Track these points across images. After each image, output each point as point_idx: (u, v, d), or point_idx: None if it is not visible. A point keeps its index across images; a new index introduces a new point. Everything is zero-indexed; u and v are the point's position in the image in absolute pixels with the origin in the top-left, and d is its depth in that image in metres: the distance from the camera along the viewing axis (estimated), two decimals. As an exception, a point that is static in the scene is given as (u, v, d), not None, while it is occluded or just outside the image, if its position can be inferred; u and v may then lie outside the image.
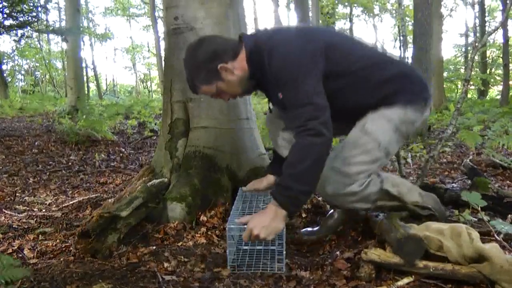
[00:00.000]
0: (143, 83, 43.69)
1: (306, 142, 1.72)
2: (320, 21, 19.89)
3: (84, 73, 17.23)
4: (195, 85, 1.94)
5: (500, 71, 21.07)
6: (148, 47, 39.09)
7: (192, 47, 1.94)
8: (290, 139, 2.20)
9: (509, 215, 2.41)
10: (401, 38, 20.77)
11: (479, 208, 1.98)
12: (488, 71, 23.10)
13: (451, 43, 56.87)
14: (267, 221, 1.75)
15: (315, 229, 2.29)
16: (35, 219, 2.69)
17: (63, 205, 2.99)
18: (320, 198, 2.74)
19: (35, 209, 2.95)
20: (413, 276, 1.70)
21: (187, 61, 1.94)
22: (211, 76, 1.88)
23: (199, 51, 1.89)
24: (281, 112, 2.14)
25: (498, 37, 20.14)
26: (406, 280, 1.69)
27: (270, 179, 2.32)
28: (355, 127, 1.98)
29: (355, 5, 26.47)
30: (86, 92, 17.85)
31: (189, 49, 1.95)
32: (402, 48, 22.21)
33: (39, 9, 9.13)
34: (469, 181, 3.04)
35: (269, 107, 2.26)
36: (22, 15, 8.44)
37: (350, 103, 1.95)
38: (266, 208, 1.81)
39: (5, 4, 7.94)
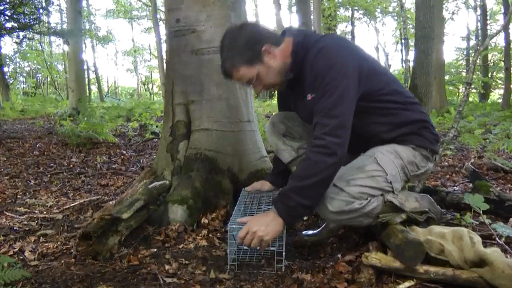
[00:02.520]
0: (144, 85, 43.76)
1: (317, 159, 1.71)
2: (322, 24, 19.90)
3: (86, 76, 17.25)
4: (234, 65, 1.86)
5: (501, 75, 21.08)
6: (149, 49, 39.17)
7: (235, 28, 1.90)
8: (291, 145, 2.21)
9: (511, 219, 2.40)
10: (403, 41, 20.75)
11: (481, 212, 1.98)
12: (489, 74, 23.09)
13: (452, 46, 56.88)
14: (267, 222, 1.77)
15: (316, 231, 2.28)
16: (36, 221, 2.69)
17: (64, 207, 2.99)
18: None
19: (36, 211, 2.95)
20: (414, 280, 1.69)
21: (228, 42, 1.87)
22: (254, 57, 1.84)
23: (244, 32, 1.86)
24: (300, 116, 2.15)
25: (500, 41, 20.16)
26: (407, 284, 1.68)
27: (265, 186, 2.40)
28: (364, 154, 1.97)
29: (357, 8, 26.50)
30: (88, 94, 17.85)
31: (231, 31, 1.90)
32: (403, 51, 22.24)
33: (41, 11, 9.16)
34: (471, 185, 3.03)
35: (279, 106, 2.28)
36: (23, 17, 8.46)
37: (368, 129, 1.94)
38: (266, 213, 1.84)
39: (6, 6, 7.96)
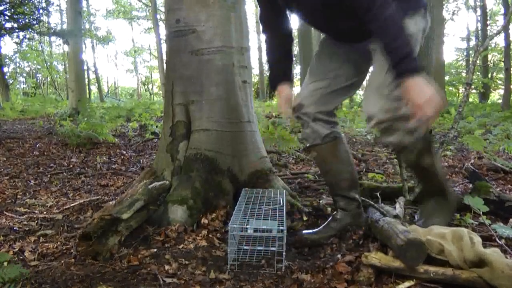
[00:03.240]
0: (144, 85, 43.76)
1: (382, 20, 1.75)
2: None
3: (86, 76, 17.25)
4: None
5: (501, 75, 21.07)
6: (149, 49, 39.18)
7: None
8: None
9: (511, 219, 2.41)
10: (403, 41, 20.73)
11: (481, 213, 1.98)
12: (489, 75, 23.10)
13: (452, 46, 57.00)
14: (417, 89, 1.71)
15: (316, 231, 2.28)
16: (36, 221, 2.68)
17: (64, 207, 2.99)
18: (321, 202, 2.74)
19: (36, 211, 2.95)
20: (414, 280, 1.70)
21: None
22: None
23: None
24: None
25: (500, 41, 20.14)
26: (407, 284, 1.69)
27: (288, 91, 2.29)
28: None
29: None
30: (88, 94, 17.88)
31: None
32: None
33: (41, 11, 9.16)
34: (471, 185, 3.03)
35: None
36: (23, 17, 8.47)
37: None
38: (411, 87, 1.73)
39: (6, 6, 7.96)
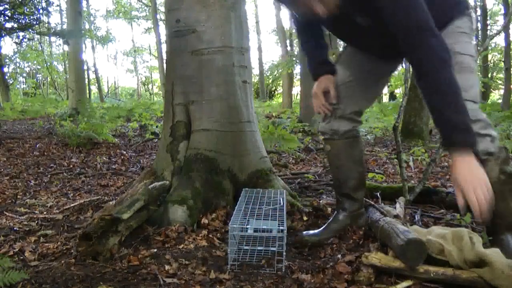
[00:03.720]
0: (144, 85, 43.78)
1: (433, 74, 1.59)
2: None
3: (86, 76, 17.24)
4: None
5: (501, 75, 21.07)
6: (149, 49, 39.17)
7: None
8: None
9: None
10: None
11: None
12: (489, 75, 23.09)
13: (452, 46, 56.72)
14: (469, 170, 1.52)
15: (316, 231, 2.28)
16: (36, 222, 2.69)
17: (64, 208, 2.99)
18: (321, 201, 2.74)
19: (36, 212, 2.95)
20: (412, 280, 1.69)
21: None
22: None
23: None
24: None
25: (500, 41, 20.15)
26: (405, 284, 1.69)
27: (330, 79, 2.17)
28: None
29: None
30: (88, 94, 17.88)
31: None
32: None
33: (41, 11, 9.16)
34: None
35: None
36: (23, 17, 8.47)
37: None
38: (453, 165, 1.55)
39: (6, 6, 7.96)
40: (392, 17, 1.61)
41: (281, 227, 1.90)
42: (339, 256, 1.98)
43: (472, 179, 1.50)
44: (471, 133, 1.55)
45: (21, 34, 9.27)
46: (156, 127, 7.82)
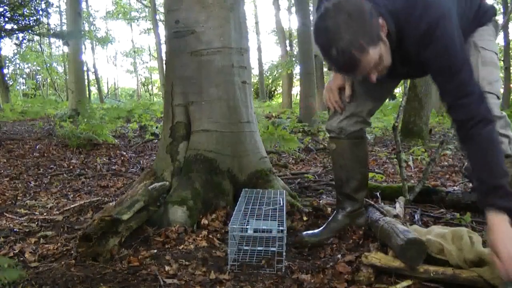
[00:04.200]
0: (144, 86, 43.75)
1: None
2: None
3: (86, 77, 17.23)
4: (363, 47, 1.50)
5: (501, 74, 21.07)
6: (149, 50, 39.17)
7: (338, 5, 1.53)
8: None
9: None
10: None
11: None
12: (489, 74, 23.09)
13: (452, 46, 56.66)
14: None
15: (316, 231, 2.28)
16: (36, 223, 2.69)
17: (64, 209, 2.99)
18: (321, 202, 2.74)
19: (36, 213, 2.95)
20: (412, 280, 1.70)
21: (346, 17, 1.50)
22: (375, 34, 1.54)
23: (353, 7, 1.52)
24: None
25: (499, 40, 20.13)
26: (405, 284, 1.69)
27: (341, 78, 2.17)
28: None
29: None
30: (87, 95, 17.86)
31: (335, 9, 1.52)
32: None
33: (40, 12, 9.16)
34: (470, 184, 3.03)
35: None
36: (23, 19, 8.48)
37: None
38: (495, 228, 1.52)
39: (6, 8, 7.97)
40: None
41: (281, 228, 1.90)
42: (339, 256, 1.98)
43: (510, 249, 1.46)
44: (508, 197, 1.54)
45: (20, 35, 9.28)
46: (156, 127, 7.83)
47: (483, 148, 1.61)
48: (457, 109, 1.65)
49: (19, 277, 1.69)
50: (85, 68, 16.99)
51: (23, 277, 1.71)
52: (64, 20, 22.86)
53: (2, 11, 8.00)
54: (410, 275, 1.71)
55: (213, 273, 1.86)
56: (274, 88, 32.00)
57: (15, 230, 2.55)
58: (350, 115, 2.18)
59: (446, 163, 4.79)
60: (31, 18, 8.64)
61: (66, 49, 15.36)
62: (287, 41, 22.75)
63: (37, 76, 30.31)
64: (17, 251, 2.18)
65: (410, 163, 4.75)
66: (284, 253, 1.88)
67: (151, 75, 42.16)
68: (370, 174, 3.98)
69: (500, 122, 1.84)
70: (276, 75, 27.68)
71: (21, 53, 23.50)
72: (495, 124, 1.63)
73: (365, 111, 2.18)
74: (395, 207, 2.40)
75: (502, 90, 16.25)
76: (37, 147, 6.05)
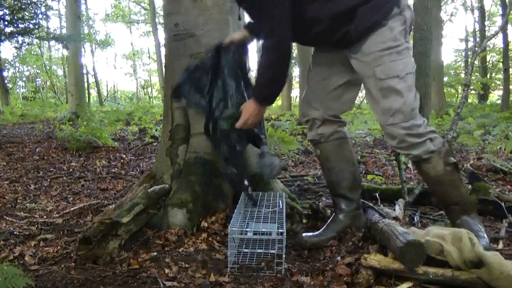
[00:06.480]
0: (144, 89, 43.75)
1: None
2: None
3: (85, 80, 17.25)
4: None
5: (500, 76, 21.07)
6: (148, 53, 39.21)
7: None
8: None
9: (504, 220, 2.41)
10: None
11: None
12: (488, 75, 23.11)
13: (451, 48, 57.06)
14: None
15: (315, 233, 2.29)
16: (36, 226, 2.69)
17: (64, 212, 3.00)
18: (320, 204, 2.74)
19: (36, 216, 2.95)
20: (412, 281, 1.70)
21: None
22: None
23: None
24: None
25: (498, 42, 20.14)
26: (404, 285, 1.69)
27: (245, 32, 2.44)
28: (368, 80, 2.05)
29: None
30: (87, 98, 17.90)
31: None
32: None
33: (40, 16, 9.17)
34: (470, 186, 3.04)
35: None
36: (23, 22, 8.48)
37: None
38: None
39: (6, 11, 7.98)
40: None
41: (280, 230, 1.90)
42: (339, 258, 1.98)
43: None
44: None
45: (20, 38, 9.27)
46: (156, 130, 7.82)
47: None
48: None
49: (26, 285, 1.69)
50: (84, 71, 17.02)
51: (29, 284, 1.70)
52: (63, 23, 22.89)
53: (2, 15, 8.01)
54: (409, 277, 1.71)
55: (212, 275, 1.87)
56: (273, 90, 31.94)
57: (15, 233, 2.55)
58: (322, 122, 2.29)
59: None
60: (31, 22, 8.64)
61: (65, 52, 15.35)
62: (287, 43, 22.69)
63: (37, 79, 30.35)
64: (17, 254, 2.18)
65: (409, 165, 4.75)
66: (283, 255, 1.89)
67: (150, 78, 42.17)
68: (369, 176, 3.99)
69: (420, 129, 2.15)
70: (276, 77, 27.60)
71: (21, 56, 23.52)
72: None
73: (330, 114, 2.29)
74: (394, 209, 2.41)
75: (500, 92, 16.26)
76: (37, 150, 6.05)
